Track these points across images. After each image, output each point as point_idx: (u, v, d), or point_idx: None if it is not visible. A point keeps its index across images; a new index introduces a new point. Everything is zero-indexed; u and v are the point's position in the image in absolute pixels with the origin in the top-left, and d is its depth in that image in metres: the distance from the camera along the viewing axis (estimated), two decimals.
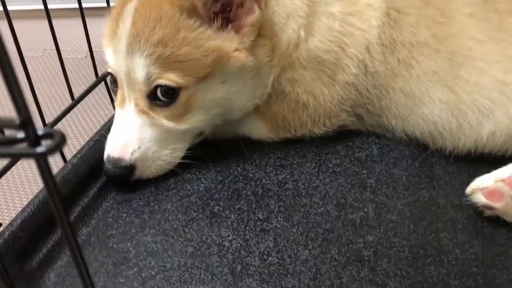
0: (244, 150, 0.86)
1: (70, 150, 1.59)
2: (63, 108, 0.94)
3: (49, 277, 0.65)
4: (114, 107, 0.86)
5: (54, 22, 0.91)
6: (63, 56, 0.95)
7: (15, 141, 0.27)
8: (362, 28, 0.80)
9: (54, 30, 0.91)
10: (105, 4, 1.05)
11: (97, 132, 0.91)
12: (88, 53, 1.05)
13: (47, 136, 0.27)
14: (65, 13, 2.54)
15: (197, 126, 0.80)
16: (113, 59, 0.78)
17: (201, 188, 0.79)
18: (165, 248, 0.68)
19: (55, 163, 1.40)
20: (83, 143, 0.88)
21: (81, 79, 2.06)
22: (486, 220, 0.70)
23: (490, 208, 0.69)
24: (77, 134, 1.74)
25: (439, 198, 0.74)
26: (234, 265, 0.65)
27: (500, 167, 0.72)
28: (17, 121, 0.25)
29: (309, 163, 0.83)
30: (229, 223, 0.72)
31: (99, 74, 1.03)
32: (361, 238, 0.68)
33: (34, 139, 0.26)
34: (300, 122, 0.86)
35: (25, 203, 0.73)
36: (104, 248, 0.69)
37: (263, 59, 0.80)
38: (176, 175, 0.81)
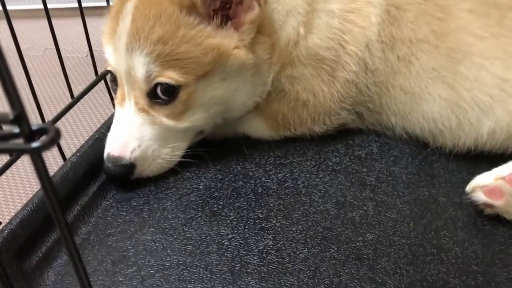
0: (244, 149, 0.86)
1: (70, 148, 1.60)
2: (63, 106, 0.94)
3: (48, 276, 0.65)
4: (114, 106, 0.86)
5: (54, 21, 0.92)
6: (63, 55, 0.96)
7: (11, 136, 0.27)
8: (361, 25, 0.80)
9: (54, 30, 0.92)
10: (105, 3, 1.05)
11: (97, 131, 0.91)
12: (89, 52, 1.05)
13: (41, 131, 0.26)
14: (65, 12, 2.55)
15: (197, 124, 0.80)
16: (113, 57, 0.78)
17: (201, 187, 0.79)
18: (164, 247, 0.68)
19: (55, 162, 1.41)
20: (83, 142, 0.88)
21: (82, 78, 2.06)
22: (486, 218, 0.70)
23: (490, 206, 0.68)
24: (77, 132, 1.74)
25: (439, 196, 0.74)
26: (233, 263, 0.65)
27: (500, 165, 0.72)
28: (11, 116, 0.25)
29: (309, 161, 0.83)
30: (228, 221, 0.72)
31: (99, 73, 1.03)
32: (360, 237, 0.68)
33: (28, 134, 0.26)
34: (300, 121, 0.86)
35: (25, 201, 0.73)
36: (103, 246, 0.69)
37: (262, 57, 0.80)
38: (176, 174, 0.81)
